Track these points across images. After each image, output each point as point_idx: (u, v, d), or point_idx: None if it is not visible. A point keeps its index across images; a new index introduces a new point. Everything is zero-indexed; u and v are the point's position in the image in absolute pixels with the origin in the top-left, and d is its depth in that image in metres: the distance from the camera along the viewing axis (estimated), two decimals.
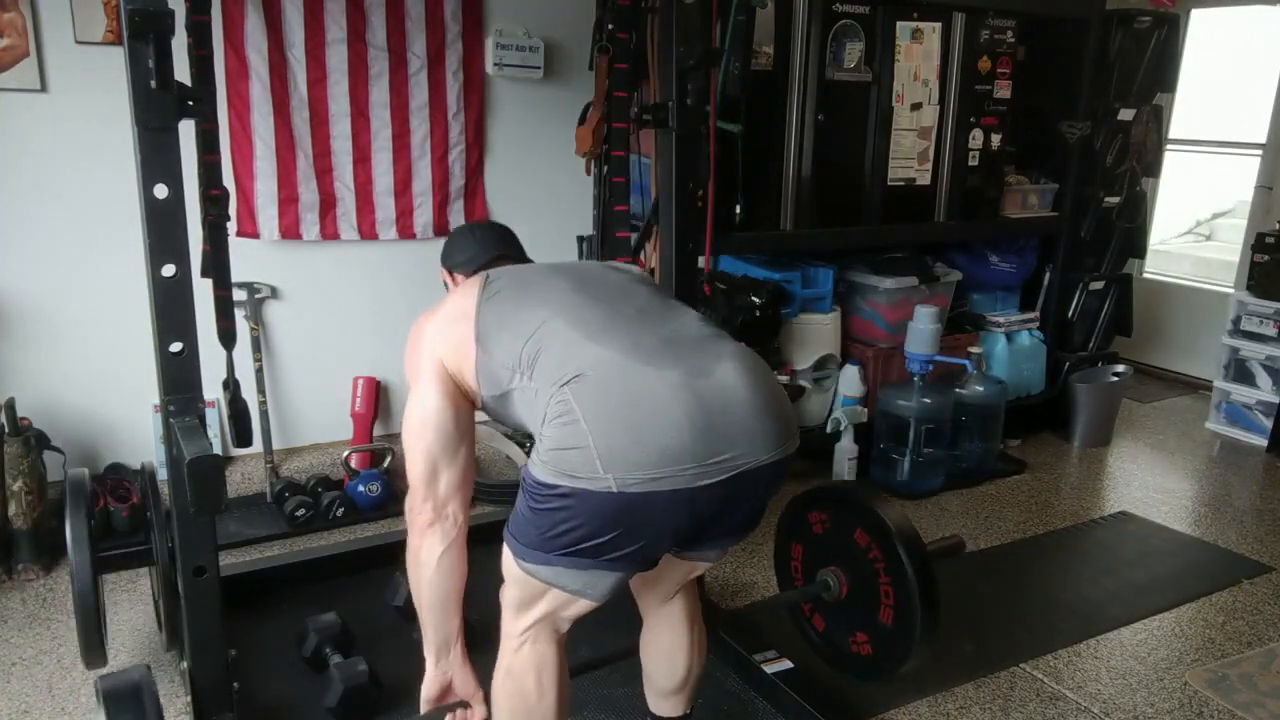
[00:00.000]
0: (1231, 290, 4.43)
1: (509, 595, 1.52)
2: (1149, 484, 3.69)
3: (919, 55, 3.40)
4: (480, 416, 1.70)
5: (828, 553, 2.07)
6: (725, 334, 1.49)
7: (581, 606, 1.45)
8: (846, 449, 3.49)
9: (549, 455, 1.33)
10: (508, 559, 1.47)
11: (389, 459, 3.35)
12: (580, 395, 1.31)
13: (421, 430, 1.59)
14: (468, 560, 1.64)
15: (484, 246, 1.86)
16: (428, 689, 1.70)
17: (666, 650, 1.73)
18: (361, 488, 3.15)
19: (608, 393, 1.30)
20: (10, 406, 2.71)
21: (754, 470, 1.33)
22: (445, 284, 1.91)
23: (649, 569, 1.47)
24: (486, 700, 1.62)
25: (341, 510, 3.09)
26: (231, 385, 2.39)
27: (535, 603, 1.47)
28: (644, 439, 1.26)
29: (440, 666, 1.69)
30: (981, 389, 3.58)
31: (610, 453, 1.26)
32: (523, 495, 1.41)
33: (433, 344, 1.62)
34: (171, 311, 1.74)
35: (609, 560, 1.35)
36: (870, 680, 2.10)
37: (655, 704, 1.84)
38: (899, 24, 3.33)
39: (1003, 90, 3.64)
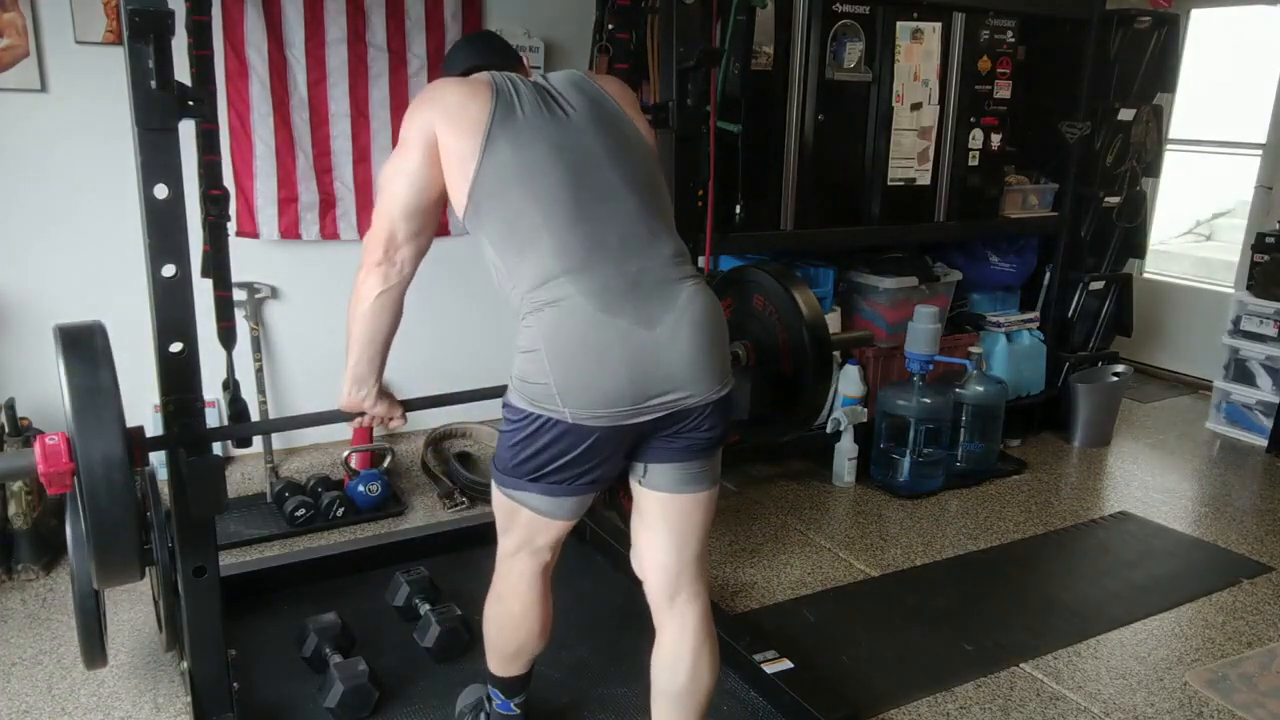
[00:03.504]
0: (1231, 290, 4.43)
1: (498, 523, 1.75)
2: (1149, 484, 3.69)
3: (919, 55, 3.40)
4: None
5: (736, 332, 2.22)
6: (689, 274, 1.62)
7: (552, 528, 1.69)
8: (846, 449, 3.49)
9: (520, 385, 1.57)
10: (493, 488, 1.72)
11: (389, 459, 3.35)
12: (546, 329, 1.52)
13: (397, 189, 1.62)
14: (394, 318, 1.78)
15: (481, 54, 1.81)
16: (340, 405, 1.81)
17: (669, 649, 1.74)
18: (361, 488, 3.15)
19: (570, 336, 1.51)
20: (10, 406, 2.71)
21: (683, 410, 1.57)
22: None
23: (600, 489, 1.68)
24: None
25: (341, 510, 3.09)
26: (231, 385, 2.39)
27: (513, 524, 1.71)
28: (590, 382, 1.51)
29: (357, 393, 1.76)
30: (981, 389, 3.58)
31: (566, 390, 1.51)
32: (502, 426, 1.64)
33: (429, 120, 1.60)
34: (171, 311, 1.74)
35: (566, 481, 1.60)
36: (790, 432, 2.26)
37: (656, 714, 1.79)
38: (899, 24, 3.33)
39: (1003, 90, 3.64)
